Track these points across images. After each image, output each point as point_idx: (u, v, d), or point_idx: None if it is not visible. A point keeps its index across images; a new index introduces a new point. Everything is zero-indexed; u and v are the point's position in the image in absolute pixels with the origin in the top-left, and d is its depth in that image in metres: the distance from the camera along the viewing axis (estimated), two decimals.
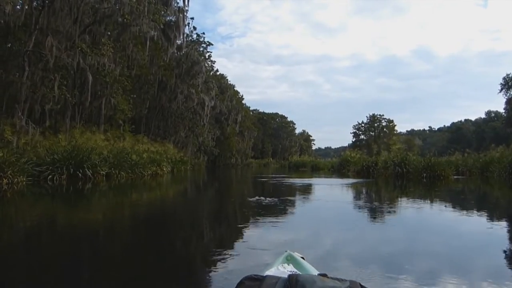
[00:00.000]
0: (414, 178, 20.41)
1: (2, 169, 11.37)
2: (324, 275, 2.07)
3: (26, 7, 17.95)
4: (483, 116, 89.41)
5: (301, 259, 2.75)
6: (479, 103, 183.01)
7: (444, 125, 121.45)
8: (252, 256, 4.26)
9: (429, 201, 11.32)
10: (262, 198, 9.96)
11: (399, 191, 15.08)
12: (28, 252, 4.61)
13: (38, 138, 16.94)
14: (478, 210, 9.16)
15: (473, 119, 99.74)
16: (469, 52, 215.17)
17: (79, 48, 18.99)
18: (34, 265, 4.00)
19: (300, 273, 2.32)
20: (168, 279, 3.61)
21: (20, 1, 17.51)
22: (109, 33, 23.53)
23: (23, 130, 16.18)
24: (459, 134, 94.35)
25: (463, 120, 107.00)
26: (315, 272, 2.43)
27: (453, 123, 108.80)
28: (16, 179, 11.95)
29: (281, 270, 2.48)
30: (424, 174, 20.24)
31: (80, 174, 14.85)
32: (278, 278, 1.97)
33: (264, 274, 2.14)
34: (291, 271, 2.43)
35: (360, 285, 1.96)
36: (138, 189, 14.33)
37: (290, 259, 2.72)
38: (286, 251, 2.85)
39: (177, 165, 27.60)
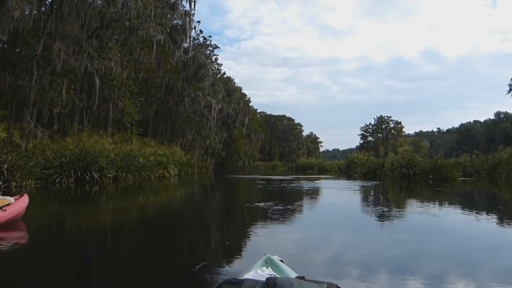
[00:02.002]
0: (420, 179, 20.31)
1: (11, 172, 11.52)
2: (302, 278, 2.11)
3: (35, 12, 18.23)
4: (492, 117, 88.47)
5: (280, 262, 2.77)
6: (488, 104, 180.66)
7: (453, 127, 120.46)
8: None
9: (435, 204, 11.28)
10: (268, 203, 9.92)
11: (405, 193, 15.03)
12: (37, 253, 4.70)
13: (46, 141, 17.17)
14: (485, 212, 9.10)
15: (482, 120, 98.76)
16: (478, 53, 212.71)
17: (87, 52, 19.21)
18: (43, 266, 4.08)
19: (278, 276, 2.37)
20: (173, 280, 3.67)
21: (29, 6, 17.76)
22: (116, 37, 23.79)
23: (32, 133, 16.41)
24: (468, 135, 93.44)
25: (472, 121, 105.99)
26: (293, 275, 2.46)
27: (462, 124, 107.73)
28: (24, 182, 12.10)
29: (260, 273, 2.51)
30: (431, 176, 20.14)
31: (87, 177, 14.99)
32: (256, 281, 2.00)
33: (243, 278, 2.19)
34: (269, 274, 2.45)
35: (337, 287, 2.01)
36: (145, 192, 14.44)
37: (269, 262, 2.74)
38: (265, 254, 2.86)
39: (184, 168, 27.74)
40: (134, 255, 4.85)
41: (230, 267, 4.03)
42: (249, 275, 2.42)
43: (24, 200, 6.48)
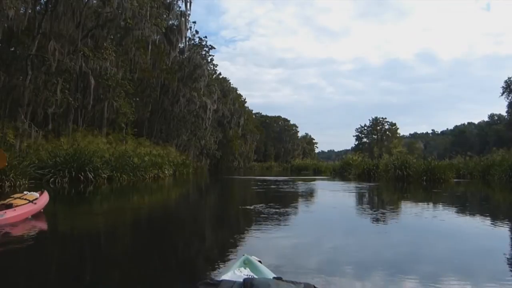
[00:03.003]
0: (414, 181, 20.44)
1: (4, 172, 11.47)
2: (279, 279, 2.13)
3: (30, 11, 18.15)
4: (486, 119, 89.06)
5: (258, 262, 2.76)
6: (482, 107, 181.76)
7: (447, 128, 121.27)
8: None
9: (429, 205, 11.36)
10: (263, 205, 9.87)
11: (401, 195, 15.13)
12: (31, 255, 4.71)
13: (40, 141, 17.09)
14: (478, 214, 9.18)
15: (476, 122, 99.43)
16: (473, 56, 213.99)
17: (82, 52, 19.17)
18: (37, 267, 4.10)
19: (256, 277, 2.37)
20: (168, 280, 3.70)
21: (23, 5, 17.69)
22: (111, 37, 23.72)
23: (26, 133, 16.34)
24: (462, 137, 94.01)
25: (466, 123, 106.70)
26: (271, 275, 2.47)
27: (456, 126, 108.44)
28: (18, 182, 12.07)
29: (238, 274, 2.50)
30: (424, 177, 20.29)
31: (82, 177, 14.96)
32: (234, 282, 2.01)
33: (220, 279, 2.19)
34: (247, 275, 2.45)
35: (314, 287, 2.04)
36: (139, 193, 14.43)
37: (247, 263, 2.73)
38: (243, 255, 2.85)
39: (179, 168, 27.69)
40: (124, 256, 4.88)
41: (213, 269, 4.04)
42: (226, 276, 2.41)
43: (46, 195, 7.46)
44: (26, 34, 18.33)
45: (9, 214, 6.00)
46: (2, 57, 19.37)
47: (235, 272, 2.53)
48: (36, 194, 7.02)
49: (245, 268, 2.64)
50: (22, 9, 17.82)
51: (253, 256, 2.85)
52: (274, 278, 2.22)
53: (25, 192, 7.08)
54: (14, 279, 3.71)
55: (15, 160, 12.47)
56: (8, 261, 4.34)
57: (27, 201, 6.57)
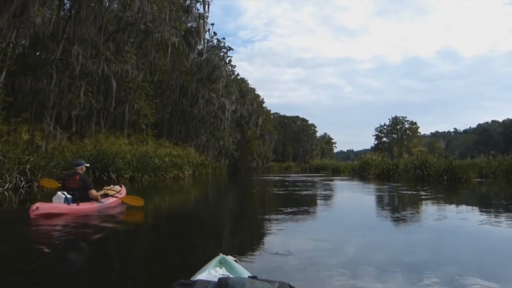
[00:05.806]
0: (434, 181, 20.18)
1: (33, 172, 11.90)
2: (254, 278, 2.17)
3: (54, 16, 18.75)
4: (511, 117, 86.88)
5: (234, 262, 2.75)
6: (506, 104, 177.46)
7: (470, 127, 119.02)
8: (269, 264, 4.38)
9: (451, 205, 11.23)
10: (282, 205, 9.82)
11: (420, 195, 14.97)
12: (53, 251, 4.94)
13: (65, 142, 17.61)
14: (503, 214, 9.03)
15: (500, 120, 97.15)
16: (496, 52, 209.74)
17: (104, 56, 19.69)
18: (59, 264, 4.32)
19: (231, 276, 2.38)
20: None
21: (49, 12, 18.27)
22: (132, 40, 24.26)
23: (51, 135, 16.87)
24: (485, 135, 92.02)
25: (489, 121, 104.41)
26: (246, 275, 2.47)
27: (479, 125, 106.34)
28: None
29: (213, 274, 2.48)
30: (445, 177, 20.01)
31: (105, 177, 15.36)
32: (208, 282, 2.03)
33: (196, 279, 2.22)
34: (222, 275, 2.43)
35: (289, 285, 2.06)
36: (160, 192, 14.73)
37: (223, 263, 2.71)
38: (219, 254, 2.83)
39: (198, 169, 28.03)
40: (150, 253, 5.06)
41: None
42: (202, 276, 2.41)
43: (124, 188, 9.27)
44: (51, 39, 18.93)
45: (110, 200, 8.19)
46: (29, 62, 20.06)
47: (210, 272, 2.51)
48: (119, 187, 9.00)
49: (220, 268, 2.62)
50: (47, 15, 18.40)
51: (229, 256, 2.85)
52: (249, 277, 2.26)
53: (111, 186, 9.18)
54: (41, 273, 3.93)
55: (43, 161, 12.90)
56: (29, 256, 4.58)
57: (116, 192, 8.60)
